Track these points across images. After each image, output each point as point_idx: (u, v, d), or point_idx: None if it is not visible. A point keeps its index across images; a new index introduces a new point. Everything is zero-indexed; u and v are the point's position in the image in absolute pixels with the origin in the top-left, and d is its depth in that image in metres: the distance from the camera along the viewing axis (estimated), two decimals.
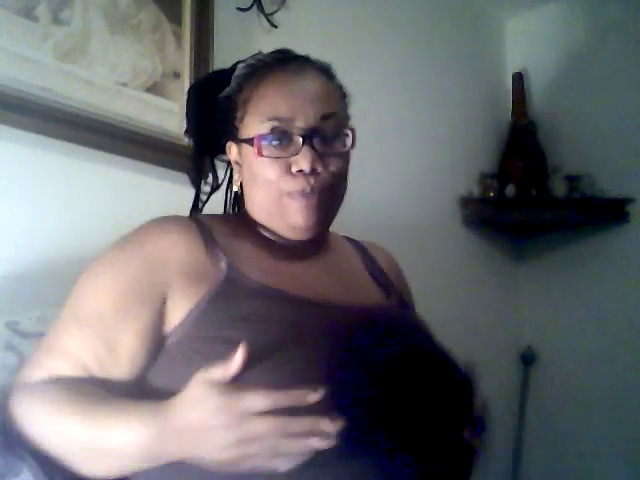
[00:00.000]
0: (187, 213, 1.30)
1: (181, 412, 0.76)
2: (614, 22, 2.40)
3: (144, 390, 0.87)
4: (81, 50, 1.34)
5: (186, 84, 1.52)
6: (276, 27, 1.76)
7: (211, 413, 0.73)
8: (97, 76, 1.36)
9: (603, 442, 2.24)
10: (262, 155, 0.96)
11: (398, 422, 0.82)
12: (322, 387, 0.74)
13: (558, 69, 2.53)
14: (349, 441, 0.75)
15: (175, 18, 1.52)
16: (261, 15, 1.73)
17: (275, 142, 0.95)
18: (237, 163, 1.04)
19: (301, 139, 0.94)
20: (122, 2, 1.42)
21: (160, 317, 0.89)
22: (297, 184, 0.95)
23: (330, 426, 0.73)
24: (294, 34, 1.80)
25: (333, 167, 0.97)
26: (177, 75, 1.51)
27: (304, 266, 1.01)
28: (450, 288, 2.16)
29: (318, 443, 0.72)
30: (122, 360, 0.87)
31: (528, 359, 2.46)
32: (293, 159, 0.95)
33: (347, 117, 1.04)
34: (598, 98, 2.41)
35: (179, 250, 0.92)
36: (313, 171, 0.94)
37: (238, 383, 0.75)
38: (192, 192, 1.52)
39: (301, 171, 0.94)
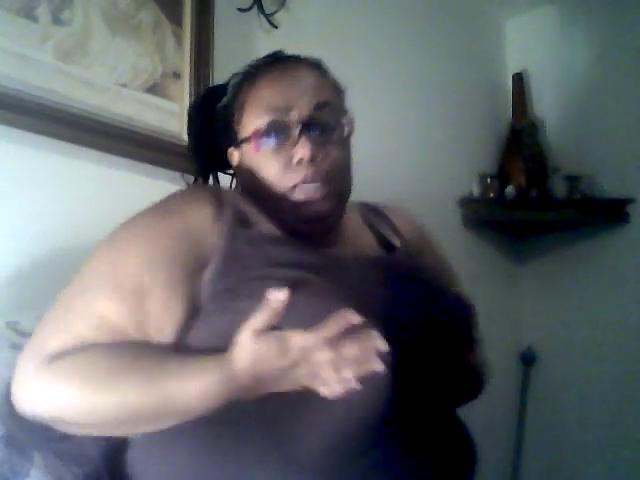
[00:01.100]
0: None
1: (242, 365, 0.76)
2: (614, 22, 2.40)
3: (183, 349, 0.86)
4: (81, 50, 1.34)
5: (186, 84, 1.52)
6: (276, 27, 1.76)
7: (268, 361, 0.76)
8: (97, 76, 1.36)
9: (603, 442, 2.24)
10: (262, 150, 0.97)
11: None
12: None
13: (558, 70, 2.53)
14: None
15: (175, 18, 1.52)
16: (261, 15, 1.73)
17: (273, 135, 0.96)
18: (239, 168, 1.05)
19: (298, 129, 0.95)
20: (122, 2, 1.43)
21: (198, 285, 0.88)
22: (299, 175, 0.95)
23: (382, 343, 0.75)
24: (294, 34, 1.80)
25: (332, 155, 0.97)
26: (177, 75, 1.52)
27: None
28: None
29: (376, 366, 0.75)
30: (166, 336, 0.85)
31: (528, 359, 2.46)
32: (292, 151, 0.95)
33: (343, 108, 1.04)
34: (598, 98, 2.41)
35: (209, 219, 0.91)
36: (313, 160, 0.94)
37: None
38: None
39: (301, 161, 0.94)
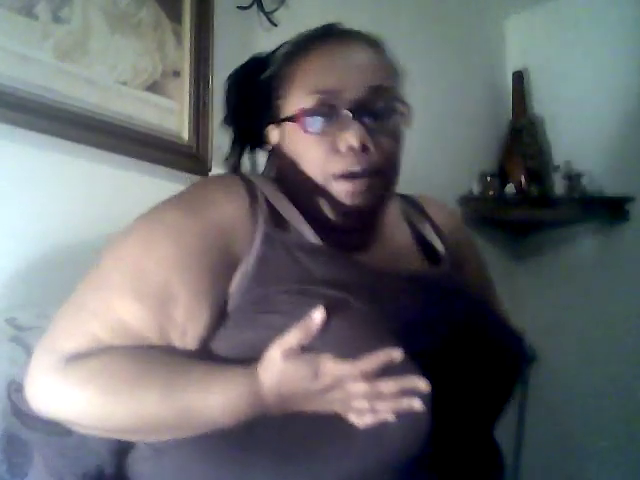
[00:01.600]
0: None
1: (269, 382, 0.73)
2: (614, 21, 2.40)
3: (207, 357, 0.81)
4: (81, 49, 1.34)
5: (186, 83, 1.52)
6: (276, 25, 1.75)
7: (298, 383, 0.72)
8: (97, 75, 1.36)
9: (603, 441, 2.24)
10: (307, 131, 0.88)
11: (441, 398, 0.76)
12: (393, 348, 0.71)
13: (558, 68, 2.53)
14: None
15: (175, 16, 1.52)
16: (261, 13, 1.73)
17: (321, 117, 0.87)
18: (278, 148, 0.95)
19: (350, 113, 0.86)
20: (122, 1, 1.42)
21: (227, 290, 0.82)
22: (345, 163, 0.86)
23: (423, 384, 0.69)
24: (294, 32, 1.78)
25: (385, 145, 0.89)
26: (177, 74, 1.51)
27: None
28: None
29: (415, 404, 0.69)
30: (189, 342, 0.80)
31: (528, 359, 2.46)
32: (341, 135, 0.86)
33: (400, 95, 0.95)
34: (598, 97, 2.40)
35: (239, 215, 0.85)
36: (363, 148, 0.86)
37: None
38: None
39: (350, 148, 0.86)
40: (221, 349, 0.81)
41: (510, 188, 2.35)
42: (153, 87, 1.46)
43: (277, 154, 0.96)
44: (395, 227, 1.03)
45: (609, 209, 2.32)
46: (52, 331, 0.82)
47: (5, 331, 0.97)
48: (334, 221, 0.91)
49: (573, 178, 2.32)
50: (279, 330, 0.73)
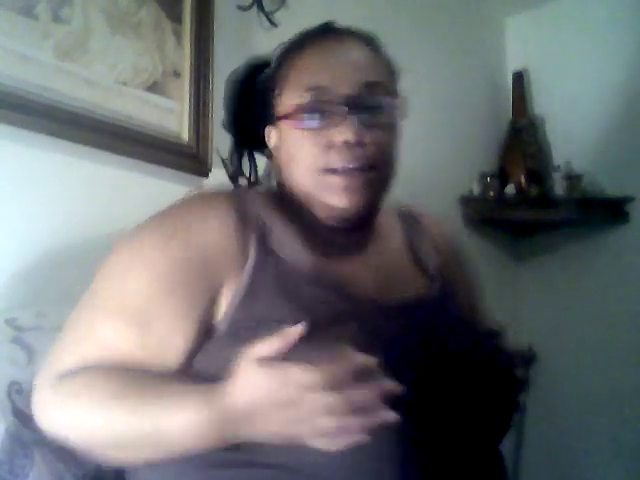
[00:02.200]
0: None
1: (234, 394, 0.71)
2: (614, 21, 2.40)
3: (189, 376, 0.81)
4: (81, 49, 1.34)
5: (186, 83, 1.52)
6: (276, 26, 1.75)
7: (265, 392, 0.69)
8: (97, 75, 1.36)
9: (603, 442, 2.24)
10: (302, 128, 0.88)
11: (428, 432, 0.76)
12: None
13: (558, 68, 2.53)
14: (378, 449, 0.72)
15: (175, 17, 1.52)
16: (261, 14, 1.73)
17: (316, 113, 0.87)
18: (276, 148, 0.95)
19: (345, 107, 0.86)
20: (122, 1, 1.42)
21: (211, 310, 0.82)
22: (341, 158, 0.86)
23: (396, 387, 0.67)
24: (294, 33, 1.78)
25: (380, 140, 0.88)
26: (177, 74, 1.51)
27: (342, 261, 0.92)
28: None
29: (386, 416, 0.66)
30: (171, 361, 0.80)
31: (528, 359, 2.46)
32: (336, 130, 0.86)
33: (395, 90, 0.95)
34: (598, 97, 2.40)
35: (222, 237, 0.84)
36: (359, 143, 0.85)
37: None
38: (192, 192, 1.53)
39: (345, 143, 0.85)
40: (202, 366, 0.81)
41: (510, 188, 2.35)
42: (153, 87, 1.46)
43: (276, 155, 0.96)
44: (391, 233, 1.03)
45: (609, 210, 2.31)
46: (50, 354, 0.84)
47: (6, 332, 0.98)
48: (330, 222, 0.90)
49: (573, 178, 2.32)
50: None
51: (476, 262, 2.49)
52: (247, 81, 1.02)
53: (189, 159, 1.50)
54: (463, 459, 0.80)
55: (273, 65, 0.97)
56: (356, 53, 0.92)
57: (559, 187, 2.35)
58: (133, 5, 1.44)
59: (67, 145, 1.30)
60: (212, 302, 0.82)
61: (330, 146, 0.86)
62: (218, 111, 1.55)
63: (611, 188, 2.30)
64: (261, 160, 1.07)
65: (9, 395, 0.88)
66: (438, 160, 2.26)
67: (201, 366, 0.81)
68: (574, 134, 2.44)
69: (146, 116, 1.44)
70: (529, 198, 2.34)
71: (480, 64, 2.56)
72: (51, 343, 0.96)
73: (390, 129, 0.92)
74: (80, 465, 0.89)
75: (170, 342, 0.81)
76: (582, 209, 2.31)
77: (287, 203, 0.92)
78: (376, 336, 0.79)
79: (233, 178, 1.05)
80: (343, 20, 2.08)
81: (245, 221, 0.86)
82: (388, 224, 1.02)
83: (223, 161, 1.06)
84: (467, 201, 2.36)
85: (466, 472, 0.80)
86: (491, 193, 2.36)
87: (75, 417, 0.78)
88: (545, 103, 2.54)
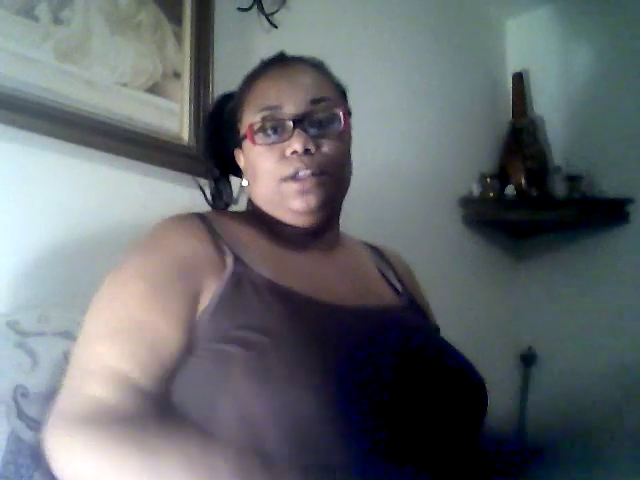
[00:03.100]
0: (184, 212, 1.28)
1: None
2: (614, 21, 2.40)
3: (172, 388, 0.85)
4: (81, 50, 1.34)
5: (186, 84, 1.52)
6: (276, 27, 1.76)
7: None
8: (97, 76, 1.36)
9: (603, 441, 2.24)
10: (258, 144, 0.98)
11: (408, 428, 0.80)
12: (330, 393, 0.75)
13: (558, 69, 2.53)
14: (360, 449, 0.76)
15: (175, 18, 1.52)
16: (261, 15, 1.73)
17: (267, 130, 0.98)
18: (245, 169, 1.06)
19: (292, 123, 0.97)
20: (122, 2, 1.42)
21: (194, 311, 0.87)
22: (292, 167, 0.96)
23: None
24: (294, 34, 1.80)
25: (327, 148, 0.98)
26: (177, 75, 1.51)
27: (313, 262, 1.01)
28: (450, 288, 2.16)
29: None
30: (167, 363, 0.84)
31: (528, 359, 2.46)
32: (286, 144, 0.96)
33: (341, 104, 1.04)
34: (598, 98, 2.41)
35: (195, 247, 0.92)
36: (307, 152, 0.95)
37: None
38: (192, 191, 1.53)
39: (295, 153, 0.95)
40: (184, 380, 0.84)
41: (510, 189, 2.35)
42: (153, 88, 1.46)
43: (245, 175, 1.07)
44: (359, 251, 1.14)
45: (609, 210, 2.32)
46: (60, 393, 0.84)
47: (10, 337, 0.98)
48: (295, 224, 1.00)
49: (573, 179, 2.32)
50: (229, 363, 0.79)
51: (476, 263, 2.50)
52: (217, 112, 1.14)
53: (189, 160, 1.50)
54: (441, 455, 0.83)
55: (235, 97, 1.08)
56: (302, 75, 1.03)
57: (559, 188, 2.35)
58: (133, 7, 1.44)
59: (67, 146, 1.30)
60: (195, 302, 0.88)
61: (283, 157, 0.97)
62: None
63: (611, 189, 2.30)
64: (236, 182, 1.14)
65: (14, 398, 0.89)
66: (438, 161, 2.26)
67: (185, 381, 0.84)
68: (574, 135, 2.44)
69: (146, 117, 1.44)
70: (529, 199, 2.35)
71: (480, 65, 2.56)
72: (54, 347, 0.97)
73: (337, 138, 1.00)
74: None
75: (165, 340, 0.84)
76: (582, 210, 2.31)
77: (256, 216, 1.03)
78: (350, 337, 0.86)
79: (211, 202, 1.14)
80: (343, 21, 2.10)
81: (217, 236, 0.95)
82: (356, 245, 1.15)
83: (200, 187, 1.15)
84: (467, 202, 2.37)
85: (446, 470, 0.83)
86: (491, 194, 2.36)
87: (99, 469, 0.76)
88: (545, 104, 2.54)
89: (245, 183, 1.07)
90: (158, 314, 0.85)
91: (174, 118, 1.49)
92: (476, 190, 2.38)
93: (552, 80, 2.54)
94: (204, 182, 1.15)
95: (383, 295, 1.06)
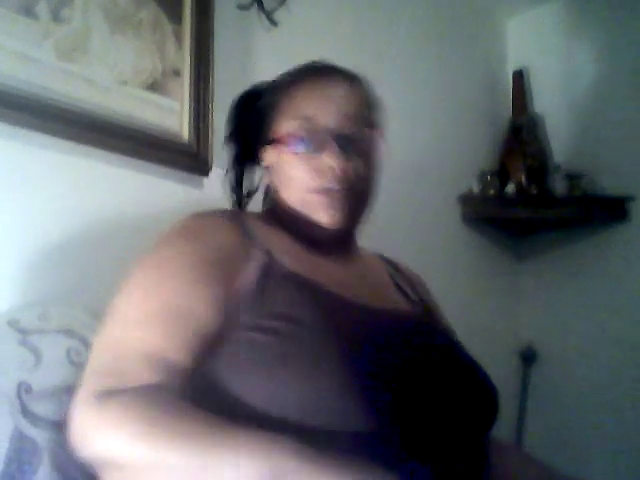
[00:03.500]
0: (185, 210, 1.28)
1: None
2: (615, 19, 2.40)
3: (202, 371, 0.85)
4: (81, 48, 1.34)
5: (186, 82, 1.52)
6: (276, 25, 1.75)
7: None
8: (97, 74, 1.36)
9: (604, 441, 2.24)
10: (291, 153, 1.01)
11: (416, 422, 0.82)
12: (352, 388, 0.78)
13: (558, 67, 2.53)
14: (371, 445, 0.78)
15: (175, 16, 1.52)
16: (261, 13, 1.73)
17: (303, 140, 1.01)
18: (270, 167, 1.09)
19: (329, 137, 0.99)
20: (122, 0, 1.42)
21: (230, 298, 0.89)
22: (323, 180, 0.99)
23: None
24: (294, 32, 1.80)
25: (358, 166, 1.01)
26: (177, 73, 1.51)
27: (335, 265, 1.04)
28: (449, 286, 2.16)
29: None
30: (205, 345, 0.85)
31: (528, 358, 2.46)
32: (320, 157, 0.99)
33: (374, 122, 1.07)
34: (599, 96, 2.40)
35: (229, 239, 0.95)
36: (340, 168, 0.98)
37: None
38: (192, 190, 1.54)
39: (329, 168, 0.98)
40: (214, 364, 0.86)
41: (510, 187, 2.35)
42: (153, 87, 1.46)
43: (270, 173, 1.10)
44: (375, 263, 1.18)
45: (609, 208, 2.31)
46: (88, 375, 0.83)
47: (12, 335, 0.98)
48: (313, 235, 1.03)
49: (573, 177, 2.32)
50: (260, 349, 0.82)
51: (476, 261, 2.50)
52: (248, 102, 1.15)
53: (189, 158, 1.50)
54: (447, 453, 0.85)
55: (269, 96, 1.10)
56: (342, 89, 1.05)
57: (559, 186, 2.35)
58: (133, 5, 1.44)
59: (67, 144, 1.30)
60: (232, 288, 0.89)
61: (316, 169, 1.00)
62: (218, 110, 1.56)
63: (611, 187, 2.30)
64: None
65: (18, 395, 0.89)
66: (438, 158, 2.26)
67: (215, 366, 0.85)
68: (574, 133, 2.44)
69: (146, 115, 1.44)
70: (529, 197, 2.34)
71: (480, 62, 2.56)
72: (57, 344, 0.97)
73: (367, 157, 1.04)
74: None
75: (204, 327, 0.86)
76: (582, 208, 2.31)
77: (279, 216, 1.05)
78: (371, 330, 0.89)
79: (233, 189, 1.18)
80: (342, 19, 2.09)
81: (247, 230, 0.98)
82: (372, 257, 1.19)
83: (225, 173, 1.20)
84: (467, 200, 2.37)
85: (450, 468, 0.84)
86: (491, 192, 2.36)
87: (131, 437, 0.75)
88: (545, 102, 2.54)
89: (267, 181, 1.10)
90: (197, 298, 0.87)
91: (174, 116, 1.49)
92: (476, 188, 2.38)
93: (552, 78, 2.54)
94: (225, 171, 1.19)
95: (398, 303, 1.09)
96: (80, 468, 0.86)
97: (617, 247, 2.32)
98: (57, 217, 1.28)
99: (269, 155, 1.08)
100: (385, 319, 0.96)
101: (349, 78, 1.08)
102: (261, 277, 0.91)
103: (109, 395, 0.78)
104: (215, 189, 1.53)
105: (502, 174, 2.40)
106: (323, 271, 0.99)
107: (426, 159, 2.22)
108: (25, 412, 0.90)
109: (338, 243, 1.06)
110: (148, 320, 0.85)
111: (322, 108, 1.01)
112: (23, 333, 0.99)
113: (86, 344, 1.03)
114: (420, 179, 2.18)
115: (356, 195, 1.02)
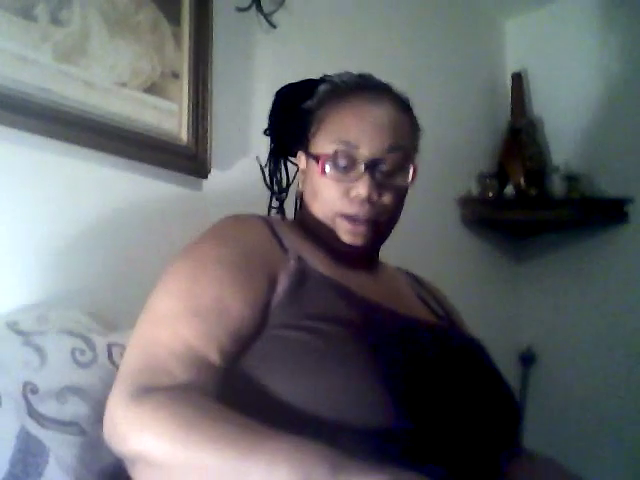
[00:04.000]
0: (184, 212, 1.30)
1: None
2: (614, 22, 2.40)
3: (236, 369, 0.87)
4: (80, 50, 1.34)
5: (185, 84, 1.52)
6: (275, 27, 1.75)
7: None
8: (96, 76, 1.36)
9: (603, 442, 2.24)
10: (324, 174, 1.01)
11: (436, 425, 0.83)
12: (384, 388, 0.79)
13: (557, 69, 2.53)
14: (399, 445, 0.79)
15: (174, 18, 1.52)
16: (260, 15, 1.73)
17: (338, 165, 1.00)
18: (304, 172, 1.09)
19: (364, 166, 0.99)
20: (121, 3, 1.42)
21: (269, 297, 0.91)
22: (352, 209, 1.00)
23: None
24: (293, 34, 1.80)
25: (388, 199, 1.02)
26: (176, 75, 1.51)
27: (361, 276, 1.05)
28: (449, 288, 2.15)
29: None
30: (243, 343, 0.87)
31: (528, 359, 2.46)
32: (352, 184, 0.99)
33: (415, 150, 1.09)
34: (597, 98, 2.41)
35: (263, 243, 0.96)
36: (369, 200, 0.99)
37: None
38: (191, 192, 1.54)
39: (357, 197, 0.99)
40: (248, 360, 0.87)
41: (509, 189, 2.35)
42: (152, 89, 1.46)
43: (304, 177, 1.10)
44: (399, 276, 1.19)
45: (608, 210, 2.32)
46: (124, 372, 0.84)
47: (16, 336, 0.98)
48: (339, 249, 1.03)
49: (572, 179, 2.32)
50: (296, 347, 0.84)
51: (475, 263, 2.50)
52: (294, 99, 1.13)
53: (188, 160, 1.50)
54: (472, 464, 0.85)
55: (315, 102, 1.08)
56: (387, 115, 1.03)
57: (558, 188, 2.35)
58: (132, 7, 1.44)
59: (66, 146, 1.30)
60: (272, 288, 0.91)
61: (346, 195, 1.00)
62: (217, 112, 1.56)
63: (610, 189, 2.30)
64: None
65: (24, 395, 0.89)
66: (437, 161, 2.26)
67: (247, 360, 0.87)
68: (573, 135, 2.44)
69: (145, 117, 1.44)
70: (528, 199, 2.34)
71: (479, 65, 2.56)
72: (61, 344, 0.97)
73: (399, 191, 1.04)
74: (96, 462, 0.89)
75: (248, 325, 0.87)
76: (581, 210, 2.31)
77: (308, 226, 1.06)
78: (399, 331, 0.91)
79: (269, 181, 1.20)
80: (341, 21, 2.09)
81: (279, 235, 1.00)
82: (394, 271, 1.20)
83: (261, 167, 1.21)
84: (466, 202, 2.37)
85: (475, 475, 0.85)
86: (490, 194, 2.36)
87: (168, 435, 0.76)
88: (544, 104, 2.54)
89: (301, 187, 1.11)
90: (232, 297, 0.88)
91: (173, 118, 1.49)
92: (475, 190, 2.38)
93: (551, 80, 2.54)
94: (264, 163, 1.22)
95: (424, 314, 1.10)
96: (86, 467, 0.86)
97: (616, 249, 2.32)
98: (55, 219, 1.28)
99: (304, 162, 1.09)
100: (416, 325, 0.97)
101: (398, 103, 1.07)
102: (296, 280, 0.92)
103: (144, 393, 0.79)
104: (214, 191, 1.53)
105: (501, 176, 2.40)
106: (352, 280, 1.00)
107: (425, 161, 2.20)
108: (31, 412, 0.90)
109: (363, 257, 1.07)
110: (182, 318, 0.86)
111: (365, 136, 1.00)
112: (22, 335, 0.98)
113: (89, 344, 1.02)
114: (419, 181, 2.17)
115: (380, 225, 1.03)
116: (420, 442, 0.80)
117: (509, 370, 2.41)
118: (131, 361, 0.85)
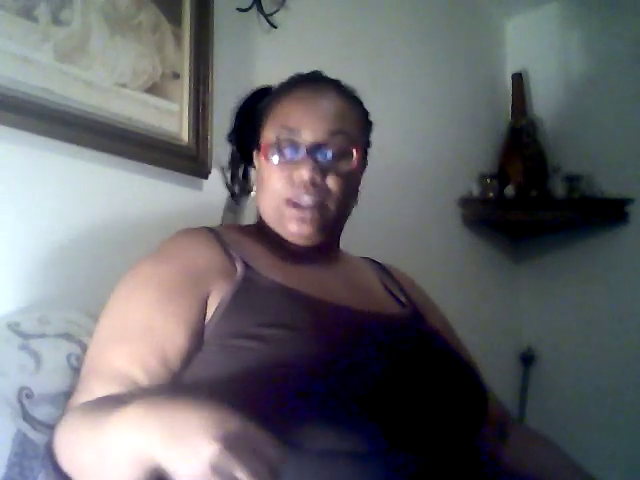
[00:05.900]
0: (184, 212, 1.31)
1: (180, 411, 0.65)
2: (614, 22, 2.40)
3: (179, 382, 0.87)
4: (81, 51, 1.34)
5: (186, 84, 1.52)
6: (275, 27, 1.76)
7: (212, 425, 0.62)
8: (96, 77, 1.36)
9: (603, 441, 2.24)
10: (268, 162, 1.01)
11: (397, 421, 0.83)
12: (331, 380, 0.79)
13: (558, 69, 2.53)
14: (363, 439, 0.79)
15: (175, 19, 1.52)
16: (260, 15, 1.73)
17: (281, 151, 1.00)
18: (258, 171, 1.09)
19: (305, 150, 0.98)
20: (122, 3, 1.42)
21: (203, 314, 0.91)
22: (296, 192, 0.99)
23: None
24: (294, 34, 1.80)
25: (333, 183, 1.00)
26: (177, 76, 1.51)
27: (316, 271, 1.04)
28: (449, 288, 2.16)
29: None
30: (173, 366, 0.87)
31: (528, 359, 2.46)
32: (296, 169, 0.98)
33: (360, 139, 1.07)
34: (598, 98, 2.41)
35: (206, 255, 0.96)
36: (313, 183, 0.98)
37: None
38: (191, 192, 1.54)
39: (302, 182, 0.98)
40: (192, 371, 0.88)
41: (509, 190, 2.35)
42: (153, 89, 1.46)
43: (256, 181, 1.10)
44: (363, 266, 1.17)
45: (608, 211, 2.32)
46: (75, 389, 0.90)
47: (13, 339, 0.99)
48: (288, 247, 1.03)
49: (572, 179, 2.32)
50: (245, 354, 0.83)
51: (476, 263, 2.50)
52: (249, 104, 1.14)
53: (189, 161, 1.50)
54: (440, 454, 0.85)
55: (266, 99, 1.10)
56: (329, 103, 1.03)
57: (558, 188, 2.35)
58: (132, 7, 1.44)
59: (66, 147, 1.30)
60: (204, 306, 0.92)
61: (290, 181, 0.99)
62: (218, 112, 1.56)
63: (610, 189, 2.30)
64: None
65: (19, 399, 0.90)
66: (437, 161, 2.26)
67: (191, 372, 0.88)
68: (573, 135, 2.44)
69: (146, 118, 1.44)
70: (528, 199, 2.35)
71: (480, 65, 2.56)
72: (57, 348, 0.98)
73: (345, 175, 1.02)
74: None
75: (167, 347, 0.87)
76: (581, 210, 2.31)
77: (261, 229, 1.06)
78: (352, 332, 0.91)
79: (229, 186, 1.21)
80: (341, 21, 2.09)
81: (226, 245, 0.99)
82: (358, 261, 1.19)
83: (222, 170, 1.23)
84: (466, 202, 2.37)
85: (445, 468, 0.85)
86: (490, 194, 2.36)
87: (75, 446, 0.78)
88: (544, 104, 2.54)
89: (254, 193, 1.10)
90: (168, 318, 0.89)
91: (173, 118, 1.49)
92: (475, 190, 2.38)
93: (551, 80, 2.54)
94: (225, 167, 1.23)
95: (386, 305, 1.08)
96: None
97: (616, 249, 2.32)
98: (56, 220, 1.28)
99: (257, 160, 1.09)
100: (369, 321, 0.96)
101: (342, 94, 1.06)
102: (242, 288, 0.92)
103: (63, 415, 0.83)
104: (214, 191, 1.54)
105: (501, 177, 2.41)
106: (303, 278, 1.00)
107: (426, 162, 2.22)
108: (26, 416, 0.91)
109: (316, 251, 1.05)
110: (111, 339, 0.89)
111: (306, 121, 1.00)
112: (23, 336, 0.99)
113: (85, 349, 1.03)
114: (420, 182, 2.18)
115: (327, 211, 1.01)
116: (388, 437, 0.81)
117: (509, 370, 2.43)
118: (76, 386, 0.90)
